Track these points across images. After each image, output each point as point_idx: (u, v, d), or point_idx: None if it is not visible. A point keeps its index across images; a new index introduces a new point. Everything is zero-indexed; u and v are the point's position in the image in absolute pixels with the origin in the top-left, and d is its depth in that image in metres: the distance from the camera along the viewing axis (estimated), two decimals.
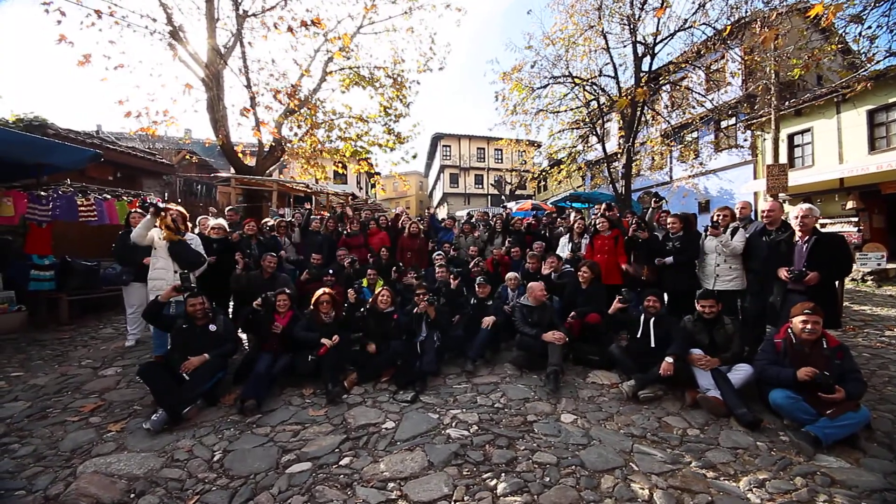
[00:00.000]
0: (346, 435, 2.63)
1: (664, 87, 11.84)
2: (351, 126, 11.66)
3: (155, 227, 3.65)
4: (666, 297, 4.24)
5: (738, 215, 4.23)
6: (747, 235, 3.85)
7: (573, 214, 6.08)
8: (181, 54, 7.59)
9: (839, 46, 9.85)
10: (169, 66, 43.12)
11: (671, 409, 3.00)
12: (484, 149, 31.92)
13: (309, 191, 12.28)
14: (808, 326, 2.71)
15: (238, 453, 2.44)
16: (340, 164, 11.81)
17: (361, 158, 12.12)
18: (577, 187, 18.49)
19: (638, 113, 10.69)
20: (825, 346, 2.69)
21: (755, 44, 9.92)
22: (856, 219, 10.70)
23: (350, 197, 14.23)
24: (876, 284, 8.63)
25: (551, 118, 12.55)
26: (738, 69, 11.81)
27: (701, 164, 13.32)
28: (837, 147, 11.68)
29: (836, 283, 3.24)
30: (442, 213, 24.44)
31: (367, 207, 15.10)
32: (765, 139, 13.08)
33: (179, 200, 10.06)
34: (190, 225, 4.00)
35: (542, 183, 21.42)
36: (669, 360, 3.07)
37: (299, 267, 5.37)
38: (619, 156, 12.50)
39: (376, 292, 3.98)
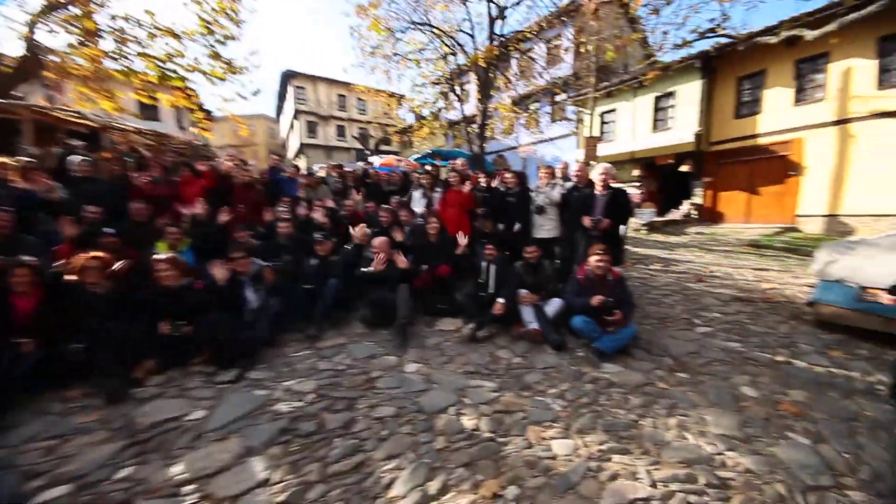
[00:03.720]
0: (131, 439, 2.03)
1: (513, 55, 12.71)
2: (155, 41, 8.80)
3: None
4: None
5: (558, 175, 4.87)
6: (563, 192, 4.45)
7: (428, 168, 6.12)
8: None
9: (642, 36, 12.14)
10: None
11: (501, 343, 3.35)
12: (346, 97, 29.28)
13: (92, 124, 9.08)
14: (599, 263, 3.31)
15: None
16: (144, 93, 8.95)
17: (175, 87, 9.43)
18: (441, 146, 18.97)
19: (491, 74, 11.26)
20: (610, 278, 3.35)
21: (584, 24, 11.43)
22: (639, 184, 14.00)
23: (163, 139, 11.12)
24: (647, 232, 11.65)
25: (412, 69, 12.16)
26: (570, 46, 13.50)
27: (541, 131, 15.09)
28: (632, 126, 14.80)
29: (621, 228, 4.07)
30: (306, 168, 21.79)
31: (196, 153, 12.13)
32: (582, 118, 15.70)
33: None
34: None
35: (409, 138, 21.22)
36: (501, 300, 3.38)
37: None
38: (476, 118, 13.17)
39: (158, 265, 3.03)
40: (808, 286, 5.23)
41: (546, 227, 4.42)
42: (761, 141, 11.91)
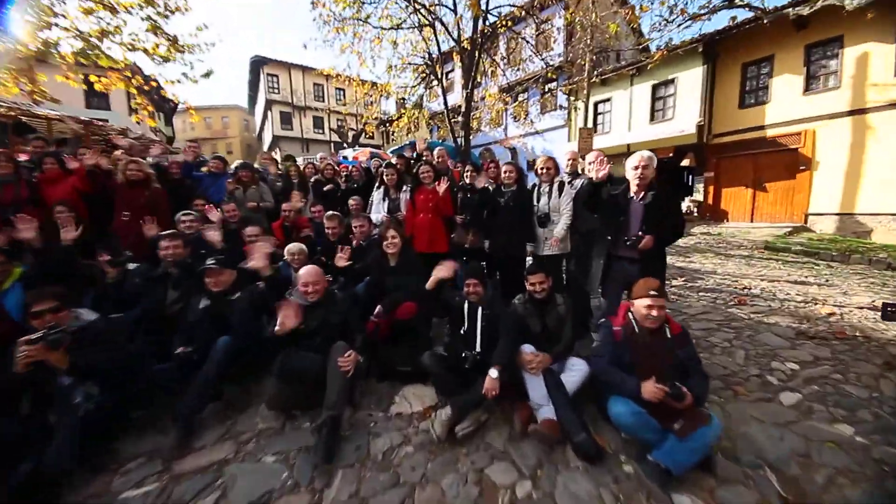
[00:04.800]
0: None
1: (501, 35, 11.37)
2: (90, 15, 7.15)
3: None
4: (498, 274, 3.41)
5: (566, 168, 3.59)
6: (581, 189, 3.20)
7: (394, 161, 4.64)
8: None
9: (647, 7, 11.00)
10: None
11: (496, 444, 2.07)
12: (323, 86, 27.43)
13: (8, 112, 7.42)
14: (654, 312, 2.06)
15: None
16: (71, 76, 7.29)
17: (112, 68, 7.80)
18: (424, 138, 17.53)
19: (477, 56, 9.92)
20: (669, 334, 2.10)
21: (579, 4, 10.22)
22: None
23: (91, 127, 9.39)
24: None
25: (389, 50, 10.71)
26: (562, 26, 12.29)
27: (532, 122, 13.88)
28: (628, 117, 13.71)
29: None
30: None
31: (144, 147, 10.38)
32: (577, 107, 14.55)
33: None
34: None
35: (389, 129, 19.74)
36: (494, 373, 2.09)
37: None
38: (460, 108, 11.81)
39: None
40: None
41: (552, 243, 3.18)
42: (769, 133, 11.01)
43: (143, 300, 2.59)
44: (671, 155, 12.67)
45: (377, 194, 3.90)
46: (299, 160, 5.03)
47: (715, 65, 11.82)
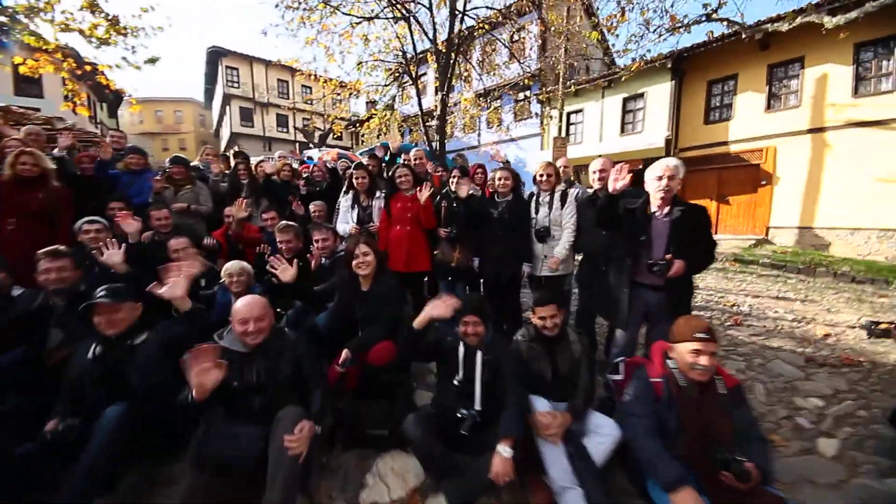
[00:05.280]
0: None
1: (478, 37, 11.05)
2: None
3: None
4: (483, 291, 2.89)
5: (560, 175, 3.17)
6: (589, 201, 2.76)
7: (364, 161, 3.93)
8: None
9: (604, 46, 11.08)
10: None
11: None
12: (288, 82, 26.08)
13: None
14: (703, 361, 1.61)
15: None
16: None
17: (40, 49, 6.62)
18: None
19: (453, 58, 9.51)
20: (722, 388, 1.66)
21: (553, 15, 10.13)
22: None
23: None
24: None
25: (360, 46, 10.04)
26: (538, 34, 12.23)
27: (507, 129, 13.70)
28: (599, 128, 13.83)
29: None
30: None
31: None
32: (551, 115, 14.54)
33: None
34: None
35: (356, 131, 18.90)
36: (506, 452, 1.56)
37: None
38: (434, 112, 11.32)
39: None
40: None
41: (551, 263, 2.72)
42: (732, 148, 11.39)
43: (24, 341, 1.84)
44: (640, 167, 12.87)
45: (345, 201, 3.25)
46: (253, 160, 4.32)
47: (682, 81, 12.15)
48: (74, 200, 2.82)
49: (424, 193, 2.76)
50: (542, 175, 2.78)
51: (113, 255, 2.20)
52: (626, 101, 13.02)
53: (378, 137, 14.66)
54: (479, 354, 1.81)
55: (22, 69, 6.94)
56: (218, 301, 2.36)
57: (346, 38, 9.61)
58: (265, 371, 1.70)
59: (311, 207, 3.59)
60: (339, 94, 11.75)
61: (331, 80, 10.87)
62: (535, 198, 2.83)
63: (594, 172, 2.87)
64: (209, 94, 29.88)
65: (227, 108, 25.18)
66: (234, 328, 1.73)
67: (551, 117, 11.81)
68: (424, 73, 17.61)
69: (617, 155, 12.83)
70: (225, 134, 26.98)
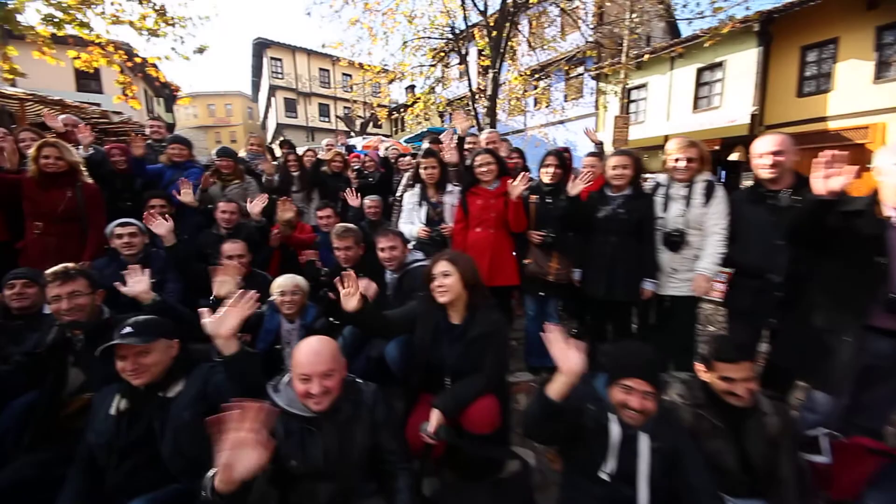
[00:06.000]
0: None
1: (530, 6, 10.05)
2: None
3: None
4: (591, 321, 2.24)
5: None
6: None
7: (427, 146, 3.20)
8: None
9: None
10: None
11: None
12: (329, 71, 26.06)
13: None
14: None
15: None
16: (47, 51, 6.21)
17: (93, 42, 6.67)
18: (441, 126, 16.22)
19: (507, 30, 8.65)
20: None
21: None
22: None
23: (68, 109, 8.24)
24: None
25: (403, 24, 9.43)
26: (596, 3, 10.99)
27: (562, 109, 12.62)
28: (667, 104, 12.35)
29: None
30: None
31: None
32: (608, 92, 13.22)
33: None
34: None
35: (400, 116, 18.44)
36: None
37: None
38: (481, 94, 10.49)
39: None
40: None
41: (687, 275, 2.02)
42: (831, 125, 9.72)
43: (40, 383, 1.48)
44: (717, 148, 11.34)
45: (409, 196, 2.67)
46: (299, 149, 3.97)
47: (770, 46, 10.45)
48: (107, 200, 2.48)
49: (519, 186, 2.14)
50: (678, 159, 2.05)
51: (160, 226, 1.99)
52: (700, 71, 11.44)
53: (419, 124, 14.07)
54: (644, 439, 1.19)
55: (77, 63, 7.01)
56: (265, 325, 1.91)
57: (389, 16, 9.05)
58: (337, 447, 1.20)
59: (366, 203, 3.09)
60: (380, 81, 11.28)
61: (372, 66, 10.43)
62: (664, 191, 2.12)
63: (762, 156, 2.07)
64: (255, 86, 30.71)
65: (273, 99, 25.68)
66: (294, 383, 1.24)
67: (616, 93, 10.54)
68: (467, 53, 16.66)
69: (689, 134, 11.31)
70: (271, 125, 27.64)
